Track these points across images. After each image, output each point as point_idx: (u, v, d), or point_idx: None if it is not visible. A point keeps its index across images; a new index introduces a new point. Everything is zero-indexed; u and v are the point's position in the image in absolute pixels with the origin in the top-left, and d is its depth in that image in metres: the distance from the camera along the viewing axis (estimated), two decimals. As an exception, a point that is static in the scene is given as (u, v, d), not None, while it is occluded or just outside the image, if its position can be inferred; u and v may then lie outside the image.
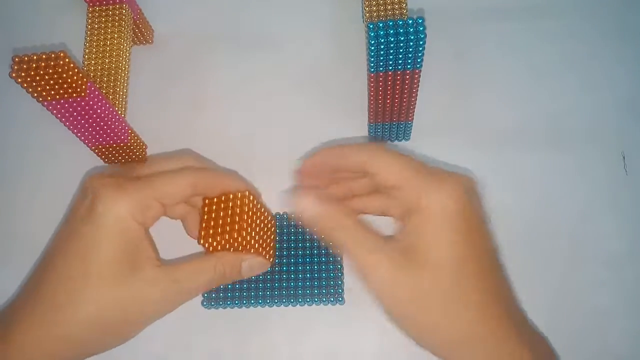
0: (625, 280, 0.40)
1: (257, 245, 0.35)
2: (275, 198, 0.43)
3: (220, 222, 0.33)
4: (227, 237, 0.33)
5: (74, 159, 0.46)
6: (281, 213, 0.43)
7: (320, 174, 0.37)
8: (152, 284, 0.32)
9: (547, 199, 0.42)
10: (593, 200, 0.42)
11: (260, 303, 0.40)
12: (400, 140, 0.45)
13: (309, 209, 0.34)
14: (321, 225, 0.34)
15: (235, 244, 0.34)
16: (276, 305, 0.40)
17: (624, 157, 0.43)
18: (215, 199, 0.35)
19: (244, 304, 0.39)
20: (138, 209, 0.33)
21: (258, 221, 0.35)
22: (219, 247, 0.34)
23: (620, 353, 0.38)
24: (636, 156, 0.43)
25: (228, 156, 0.46)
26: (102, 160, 0.46)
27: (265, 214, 0.38)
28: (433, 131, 0.45)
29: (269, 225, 0.38)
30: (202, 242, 0.33)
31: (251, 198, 0.35)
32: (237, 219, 0.33)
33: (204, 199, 0.35)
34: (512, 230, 0.42)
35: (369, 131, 0.44)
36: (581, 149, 0.44)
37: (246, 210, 0.34)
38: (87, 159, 0.46)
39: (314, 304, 0.40)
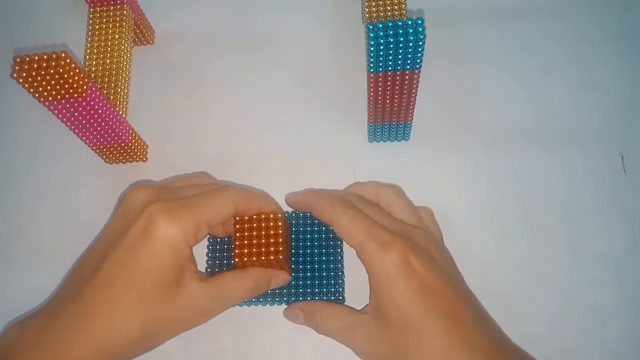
0: (624, 280, 0.40)
1: (285, 264, 0.37)
2: (275, 197, 0.43)
3: (255, 241, 0.36)
4: (262, 258, 0.36)
5: (75, 159, 0.47)
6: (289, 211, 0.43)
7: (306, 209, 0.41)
8: (197, 297, 0.35)
9: (547, 199, 0.42)
10: (592, 200, 0.42)
11: (261, 302, 0.40)
12: (400, 140, 0.45)
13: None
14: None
15: (268, 263, 0.36)
16: (277, 304, 0.40)
17: (622, 157, 0.43)
18: (246, 218, 0.37)
19: (246, 302, 0.40)
20: (191, 233, 0.35)
21: (285, 240, 0.38)
22: (251, 265, 0.37)
23: (620, 352, 0.38)
24: (635, 156, 0.43)
25: (228, 156, 0.46)
26: (103, 161, 0.46)
27: (287, 232, 0.40)
28: (433, 131, 0.45)
29: (290, 242, 0.40)
30: (237, 260, 0.36)
31: (284, 220, 0.38)
32: (272, 241, 0.36)
33: (234, 217, 0.37)
34: (512, 230, 0.42)
35: (368, 131, 0.44)
36: (580, 149, 0.44)
37: (280, 232, 0.36)
38: (88, 160, 0.46)
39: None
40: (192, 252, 0.36)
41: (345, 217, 0.37)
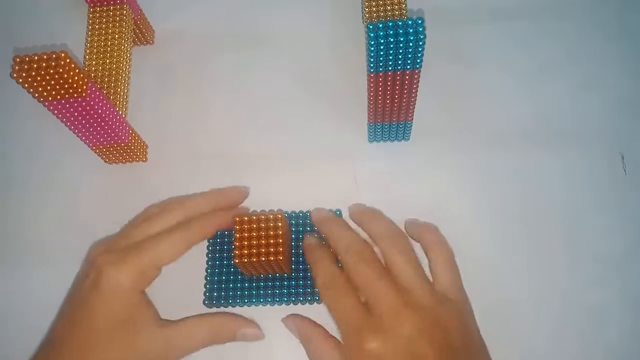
0: (625, 280, 0.40)
1: (284, 264, 0.37)
2: (273, 198, 0.43)
3: (255, 242, 0.36)
4: (262, 259, 0.36)
5: (75, 159, 0.47)
6: (289, 211, 0.43)
7: None
8: (151, 347, 0.36)
9: (547, 199, 0.42)
10: (592, 200, 0.42)
11: (262, 302, 0.40)
12: (400, 140, 0.45)
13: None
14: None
15: (267, 263, 0.36)
16: (277, 304, 0.40)
17: (622, 157, 0.43)
18: (246, 219, 0.37)
19: (246, 302, 0.40)
20: (138, 278, 0.36)
21: (288, 241, 0.38)
22: (251, 266, 0.37)
23: (620, 352, 0.38)
24: (635, 156, 0.43)
25: (228, 156, 0.46)
26: (103, 161, 0.46)
27: (288, 233, 0.39)
28: (433, 131, 0.45)
29: (291, 242, 0.40)
30: (236, 260, 0.36)
31: (284, 220, 0.38)
32: (272, 241, 0.36)
33: (234, 217, 0.37)
34: (512, 230, 0.42)
35: (368, 131, 0.44)
36: (581, 148, 0.44)
37: (280, 232, 0.36)
38: (88, 160, 0.46)
39: (315, 303, 0.40)
40: (144, 297, 0.37)
41: (325, 298, 0.36)
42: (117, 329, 0.35)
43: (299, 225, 0.42)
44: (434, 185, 0.43)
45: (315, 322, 0.38)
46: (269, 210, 0.42)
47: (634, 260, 0.40)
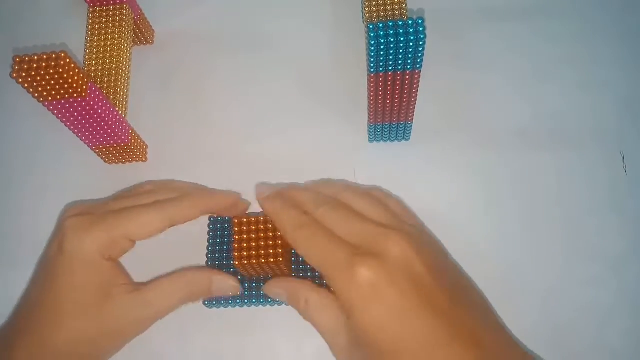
0: (625, 280, 0.40)
1: (284, 266, 0.37)
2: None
3: (254, 243, 0.35)
4: (262, 260, 0.35)
5: (74, 159, 0.47)
6: None
7: None
8: (125, 310, 0.35)
9: (547, 199, 0.42)
10: (593, 200, 0.42)
11: (262, 302, 0.40)
12: (400, 141, 0.45)
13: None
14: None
15: (267, 265, 0.36)
16: (277, 305, 0.40)
17: (623, 157, 0.43)
18: (245, 220, 0.36)
19: (246, 303, 0.40)
20: (105, 245, 0.35)
21: (285, 242, 0.37)
22: (251, 268, 0.36)
23: (620, 353, 0.38)
24: (636, 156, 0.43)
25: (228, 156, 0.46)
26: (103, 161, 0.46)
27: None
28: (433, 131, 0.45)
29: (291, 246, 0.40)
30: (236, 262, 0.35)
31: None
32: (271, 243, 0.35)
33: (233, 219, 0.37)
34: (512, 230, 0.42)
35: (368, 131, 0.44)
36: (581, 149, 0.44)
37: (280, 234, 0.35)
38: (88, 160, 0.46)
39: None
40: (115, 264, 0.36)
41: (298, 240, 0.33)
42: (85, 294, 0.34)
43: None
44: (434, 186, 0.43)
45: (298, 279, 0.36)
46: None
47: (634, 260, 0.40)
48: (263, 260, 0.35)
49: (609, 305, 0.39)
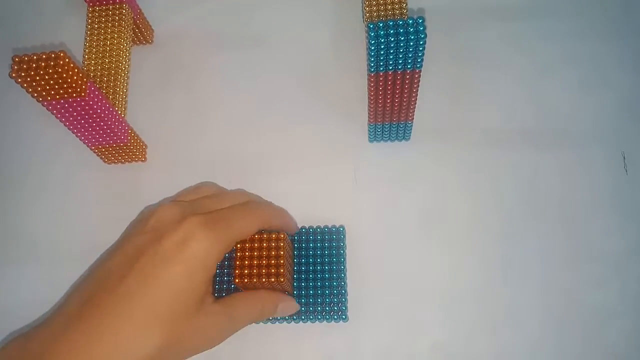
0: (625, 280, 0.40)
1: (285, 285, 0.36)
2: (273, 198, 0.43)
3: (256, 262, 0.35)
4: (263, 280, 0.34)
5: (74, 159, 0.46)
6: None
7: None
8: (214, 316, 0.33)
9: (547, 199, 0.42)
10: (593, 200, 0.42)
11: (264, 320, 0.39)
12: (401, 140, 0.45)
13: None
14: None
15: (269, 284, 0.35)
16: (279, 322, 0.39)
17: (624, 157, 0.43)
18: (247, 238, 0.35)
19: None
20: (224, 249, 0.33)
21: (288, 261, 0.36)
22: (252, 287, 0.35)
23: (620, 353, 0.38)
24: (636, 156, 0.43)
25: (228, 156, 0.46)
26: (102, 161, 0.46)
27: (290, 252, 0.38)
28: (433, 131, 0.45)
29: (292, 263, 0.39)
30: (237, 280, 0.34)
31: (288, 241, 0.36)
32: (273, 262, 0.34)
33: None
34: (512, 230, 0.41)
35: (369, 131, 0.44)
36: (581, 148, 0.44)
37: (282, 253, 0.35)
38: (87, 160, 0.46)
39: (317, 322, 0.39)
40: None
41: None
42: (192, 301, 0.32)
43: (302, 242, 0.41)
44: (435, 185, 0.43)
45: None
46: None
47: (635, 260, 0.40)
48: (264, 280, 0.34)
49: (610, 306, 0.39)
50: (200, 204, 0.36)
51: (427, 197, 0.43)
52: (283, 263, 0.35)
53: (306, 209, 0.42)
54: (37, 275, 0.43)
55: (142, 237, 0.33)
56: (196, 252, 0.32)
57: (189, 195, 0.39)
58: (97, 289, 0.32)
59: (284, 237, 0.35)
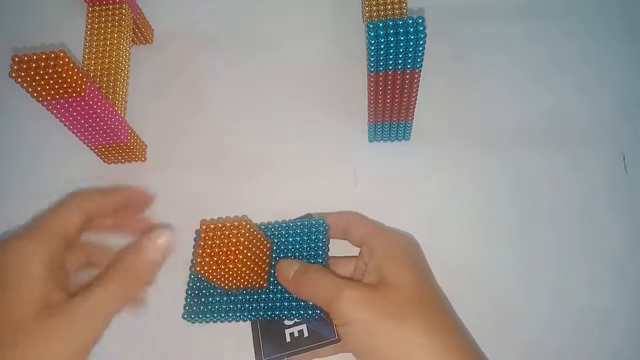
0: (625, 280, 0.40)
1: (252, 274, 0.35)
2: (273, 198, 0.43)
3: (217, 250, 0.33)
4: (222, 267, 0.33)
5: (74, 159, 0.46)
6: (272, 222, 0.40)
7: None
8: (68, 313, 0.31)
9: (547, 199, 0.42)
10: (593, 200, 0.42)
11: (243, 317, 0.37)
12: (401, 140, 0.45)
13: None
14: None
15: (231, 273, 0.34)
16: (259, 319, 0.37)
17: (623, 157, 0.43)
18: (212, 227, 0.34)
19: (226, 317, 0.37)
20: (46, 248, 0.32)
21: (256, 250, 0.35)
22: (216, 275, 0.34)
23: (620, 353, 0.38)
24: (636, 156, 0.43)
25: (227, 156, 0.46)
26: (102, 161, 0.46)
27: (263, 240, 0.37)
28: (433, 131, 0.45)
29: (265, 251, 0.37)
30: (198, 269, 0.33)
31: (249, 227, 0.35)
32: (232, 249, 0.33)
33: (201, 226, 0.35)
34: (512, 230, 0.41)
35: (369, 131, 0.44)
36: (581, 148, 0.44)
37: (242, 240, 0.33)
38: (87, 160, 0.46)
39: (293, 318, 0.37)
40: (53, 272, 0.32)
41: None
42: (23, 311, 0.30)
43: (281, 237, 0.39)
44: (434, 185, 0.43)
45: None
46: (241, 216, 0.39)
47: (635, 260, 0.40)
48: (224, 267, 0.33)
49: (609, 306, 0.39)
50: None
51: (427, 196, 0.43)
52: (242, 249, 0.33)
53: (306, 209, 0.42)
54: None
55: None
56: (7, 260, 0.31)
57: None
58: None
59: (245, 223, 0.34)
